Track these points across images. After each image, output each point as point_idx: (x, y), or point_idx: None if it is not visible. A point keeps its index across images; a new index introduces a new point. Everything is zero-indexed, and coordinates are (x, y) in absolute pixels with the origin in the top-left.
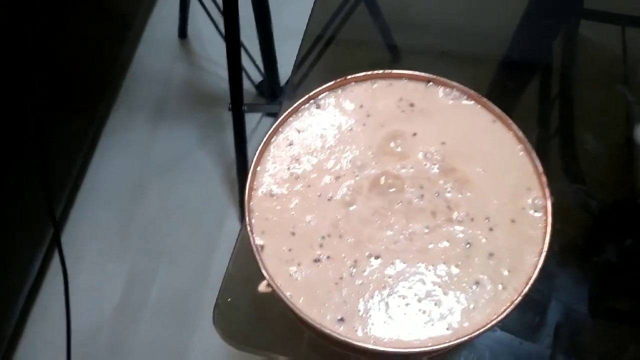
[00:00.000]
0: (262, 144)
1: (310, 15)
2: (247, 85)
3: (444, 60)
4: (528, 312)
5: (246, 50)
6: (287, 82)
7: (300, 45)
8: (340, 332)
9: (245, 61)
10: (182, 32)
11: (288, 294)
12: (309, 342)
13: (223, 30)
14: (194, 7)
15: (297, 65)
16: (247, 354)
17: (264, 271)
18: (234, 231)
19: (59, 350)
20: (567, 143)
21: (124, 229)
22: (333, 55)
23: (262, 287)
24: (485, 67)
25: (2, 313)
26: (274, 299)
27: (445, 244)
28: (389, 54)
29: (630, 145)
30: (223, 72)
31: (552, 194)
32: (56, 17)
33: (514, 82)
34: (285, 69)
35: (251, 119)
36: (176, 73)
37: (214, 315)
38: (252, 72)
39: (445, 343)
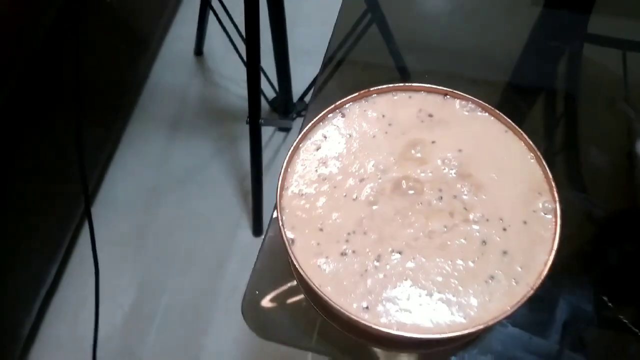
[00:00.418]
0: (292, 147)
1: (331, 35)
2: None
3: (453, 82)
4: (537, 310)
5: (261, 68)
6: (300, 98)
7: (323, 63)
8: (366, 319)
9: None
10: (198, 50)
11: (317, 283)
12: (333, 337)
13: (240, 48)
14: (210, 26)
15: (315, 82)
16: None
17: (295, 262)
18: (245, 241)
19: (72, 353)
20: (573, 156)
21: (139, 238)
22: (346, 75)
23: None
24: (493, 88)
25: (19, 316)
26: (300, 293)
27: (463, 241)
28: (399, 75)
29: (632, 158)
30: (237, 89)
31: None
32: (76, 35)
33: (521, 101)
34: (296, 86)
35: (264, 135)
36: (192, 89)
37: (242, 306)
38: (266, 88)
39: (462, 330)
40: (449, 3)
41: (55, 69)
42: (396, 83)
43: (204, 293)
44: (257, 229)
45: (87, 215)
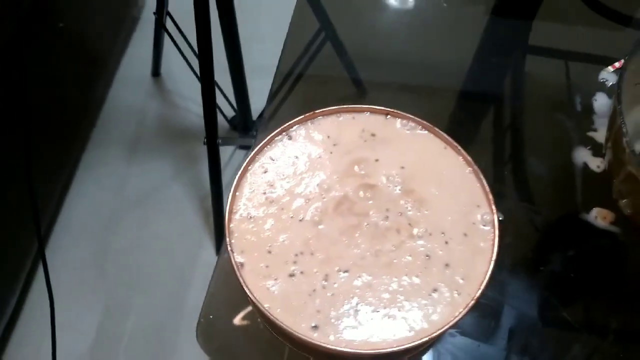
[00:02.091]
0: (240, 171)
1: (281, 53)
2: (219, 119)
3: (405, 93)
4: (484, 317)
5: (218, 87)
6: (260, 115)
7: (273, 81)
8: (315, 337)
9: (218, 97)
10: (155, 71)
11: (266, 305)
12: (288, 357)
13: (196, 68)
14: (166, 47)
15: (270, 99)
16: None
17: (244, 286)
18: (208, 261)
19: None
20: (516, 166)
21: (100, 262)
22: (303, 91)
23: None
24: (443, 99)
25: None
26: (254, 315)
27: (408, 257)
28: (355, 88)
29: (571, 166)
30: (195, 108)
31: (502, 211)
32: (32, 56)
33: (468, 113)
34: (255, 104)
35: (224, 152)
36: (149, 110)
37: (197, 331)
38: (225, 107)
39: (408, 343)
40: (400, 17)
41: (5, 96)
42: (345, 101)
43: (169, 314)
44: (219, 249)
45: (41, 254)
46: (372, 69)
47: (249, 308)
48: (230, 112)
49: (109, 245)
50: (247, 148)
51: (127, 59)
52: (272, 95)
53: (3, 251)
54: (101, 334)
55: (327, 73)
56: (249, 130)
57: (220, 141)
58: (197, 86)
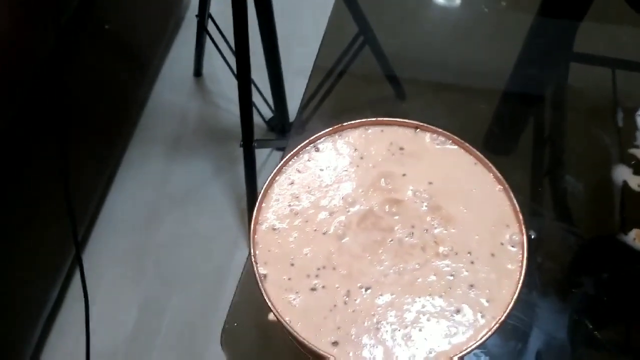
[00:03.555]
0: (267, 182)
1: (317, 55)
2: (258, 120)
3: (443, 98)
4: (511, 339)
5: (257, 88)
6: (295, 118)
7: (307, 85)
8: (334, 353)
9: (256, 98)
10: (197, 71)
11: (287, 319)
12: None
13: (235, 69)
14: (209, 47)
15: (304, 104)
16: None
17: (266, 298)
18: (243, 261)
19: None
20: (552, 182)
21: (139, 258)
22: (339, 94)
23: (270, 315)
24: (482, 107)
25: (21, 338)
26: (278, 324)
27: (433, 277)
28: (393, 92)
29: (610, 185)
30: (236, 109)
31: (535, 229)
32: (78, 55)
33: (506, 123)
34: (295, 106)
35: (262, 153)
36: (191, 110)
37: (221, 339)
38: (263, 108)
39: None
40: (439, 20)
41: (51, 96)
42: (383, 105)
43: (203, 313)
44: None
45: (81, 272)
46: (410, 72)
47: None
48: (268, 114)
49: (148, 242)
50: (284, 149)
51: (171, 59)
52: (309, 99)
53: (44, 247)
54: (137, 330)
55: (364, 76)
56: (286, 132)
57: (256, 144)
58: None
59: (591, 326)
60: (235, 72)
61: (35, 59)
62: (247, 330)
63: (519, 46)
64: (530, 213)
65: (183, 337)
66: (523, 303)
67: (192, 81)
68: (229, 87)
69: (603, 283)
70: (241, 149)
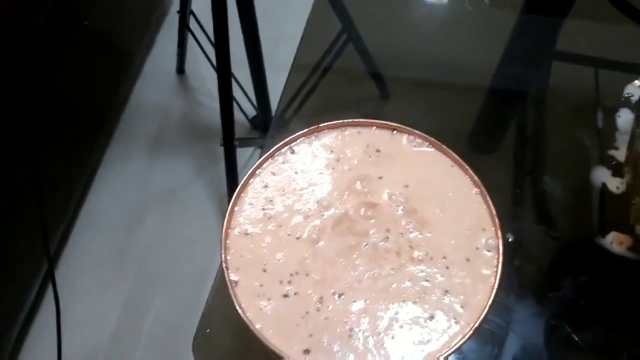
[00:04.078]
0: (240, 186)
1: (296, 53)
2: (241, 118)
3: (426, 96)
4: (487, 344)
5: (240, 85)
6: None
7: (286, 83)
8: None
9: (240, 96)
10: (180, 68)
11: (258, 326)
12: None
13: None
14: (192, 45)
15: (285, 103)
16: None
17: (236, 305)
18: None
19: None
20: (531, 184)
21: (120, 259)
22: (322, 92)
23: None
24: (464, 106)
25: None
26: (252, 334)
27: (407, 283)
28: (377, 89)
29: (589, 187)
30: (218, 107)
31: (512, 232)
32: (58, 53)
33: (488, 122)
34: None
35: (245, 151)
36: (173, 107)
37: (193, 345)
38: (247, 106)
39: None
40: (424, 18)
41: (27, 96)
42: (366, 103)
43: (187, 313)
44: None
45: (51, 276)
46: (394, 71)
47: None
48: (252, 112)
49: (130, 242)
50: None
51: (153, 56)
52: (291, 98)
53: (19, 251)
54: (118, 331)
55: (348, 74)
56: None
57: (237, 143)
58: None
59: (569, 329)
60: (217, 68)
61: (12, 57)
62: (219, 337)
63: (503, 45)
64: (510, 215)
65: (165, 338)
66: (499, 307)
67: (174, 78)
68: (212, 84)
69: (581, 286)
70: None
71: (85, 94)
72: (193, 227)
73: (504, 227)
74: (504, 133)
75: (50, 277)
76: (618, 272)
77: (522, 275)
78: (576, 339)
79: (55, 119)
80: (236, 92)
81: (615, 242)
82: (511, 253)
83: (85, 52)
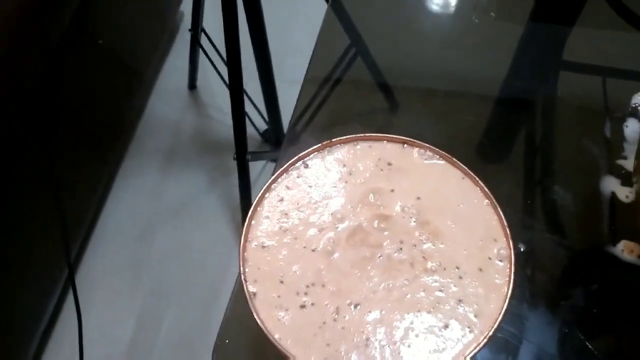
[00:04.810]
0: (256, 200)
1: (308, 68)
2: (252, 132)
3: (434, 108)
4: (501, 353)
5: (250, 100)
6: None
7: (298, 97)
8: None
9: (251, 110)
10: (192, 84)
11: (277, 336)
12: None
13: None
14: (203, 60)
15: (296, 117)
16: None
17: (255, 316)
18: (237, 273)
19: None
20: (541, 194)
21: (135, 271)
22: (332, 106)
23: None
24: (473, 118)
25: (17, 352)
26: (270, 343)
27: (421, 293)
28: (386, 101)
29: (598, 196)
30: (230, 121)
31: (523, 241)
32: (73, 70)
33: (496, 134)
34: (289, 117)
35: (256, 164)
36: (186, 122)
37: (212, 357)
38: (258, 120)
39: None
40: (431, 30)
41: (44, 112)
42: (375, 115)
43: (200, 325)
44: None
45: (72, 285)
46: (403, 83)
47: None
48: (263, 126)
49: (144, 255)
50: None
51: (165, 72)
52: (301, 112)
53: (40, 260)
54: (133, 343)
55: (357, 87)
56: (281, 143)
57: (249, 157)
58: None
59: (581, 337)
60: (228, 84)
61: (28, 74)
62: (239, 347)
63: (510, 56)
64: (520, 225)
65: (179, 350)
66: (512, 316)
67: (186, 94)
68: (223, 99)
69: (592, 294)
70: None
71: (99, 110)
72: (206, 238)
73: (515, 237)
74: (512, 143)
75: (71, 285)
76: (629, 280)
77: (534, 285)
78: (589, 346)
79: (71, 134)
80: (247, 106)
81: (625, 250)
82: (523, 262)
83: (99, 70)
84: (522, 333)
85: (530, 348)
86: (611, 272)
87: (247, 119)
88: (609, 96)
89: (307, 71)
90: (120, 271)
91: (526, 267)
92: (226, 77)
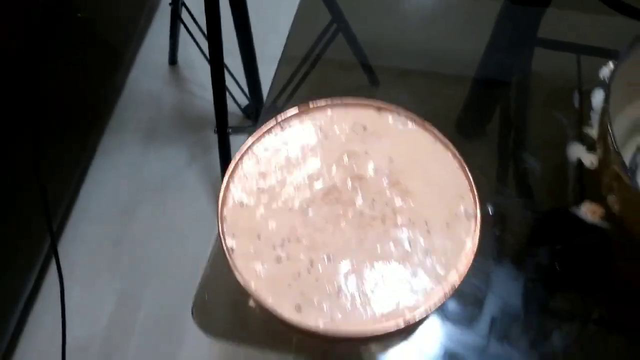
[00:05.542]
0: (235, 160)
1: (285, 43)
2: (234, 108)
3: (414, 82)
4: (467, 305)
5: (232, 75)
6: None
7: (276, 71)
8: (297, 317)
9: (232, 86)
10: (172, 59)
11: (253, 287)
12: (279, 337)
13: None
14: (184, 35)
15: (276, 89)
16: None
17: (233, 268)
18: None
19: None
20: (510, 160)
21: (115, 247)
22: (312, 81)
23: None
24: (451, 91)
25: None
26: (248, 296)
27: (391, 246)
28: (366, 78)
29: (566, 162)
30: (211, 97)
31: (493, 204)
32: (52, 44)
33: (473, 106)
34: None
35: (237, 140)
36: (166, 98)
37: (192, 309)
38: (239, 96)
39: (383, 329)
40: (412, 7)
41: (24, 87)
42: (357, 91)
43: (181, 301)
44: None
45: (55, 256)
46: (383, 60)
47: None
48: (244, 101)
49: (124, 231)
50: None
51: (145, 47)
52: (283, 87)
53: (19, 238)
54: (114, 320)
55: (337, 63)
56: None
57: (230, 130)
58: None
59: (544, 293)
60: (209, 58)
61: (5, 48)
62: (217, 304)
63: (488, 34)
64: (492, 191)
65: (161, 324)
66: (479, 272)
67: (167, 69)
68: (204, 75)
69: (556, 253)
70: (217, 136)
71: (78, 85)
72: (187, 214)
73: (485, 200)
74: (489, 118)
75: (55, 257)
76: (591, 240)
77: (501, 244)
78: (551, 301)
79: (49, 111)
80: (228, 82)
81: (588, 212)
82: (491, 223)
83: (78, 44)
84: (489, 287)
85: (496, 301)
86: (575, 232)
87: (228, 94)
88: (581, 72)
89: (285, 47)
90: (100, 248)
91: (495, 228)
92: (207, 52)
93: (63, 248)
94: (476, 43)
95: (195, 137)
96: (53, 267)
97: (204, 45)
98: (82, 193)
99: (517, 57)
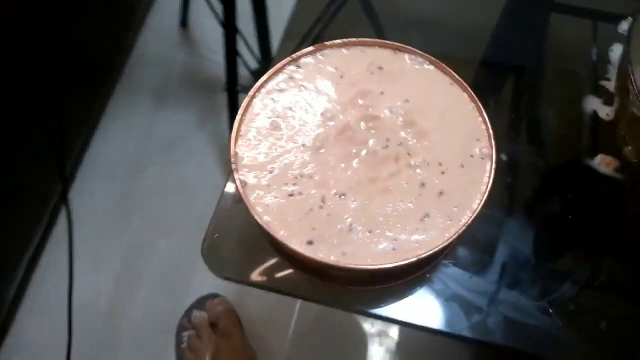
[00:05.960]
0: (249, 96)
1: (293, 12)
2: (244, 72)
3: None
4: (478, 251)
5: (243, 38)
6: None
7: (284, 36)
8: (308, 251)
9: (243, 49)
10: (184, 21)
11: (265, 219)
12: (288, 276)
13: (222, 18)
14: None
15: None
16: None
17: (245, 201)
18: None
19: (59, 316)
20: (526, 112)
21: (123, 205)
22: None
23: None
24: (468, 56)
25: (4, 279)
26: (258, 236)
27: (404, 185)
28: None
29: (581, 114)
30: (221, 60)
31: (507, 153)
32: (62, 5)
33: (494, 76)
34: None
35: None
36: (177, 60)
37: (202, 249)
38: (250, 61)
39: (394, 263)
40: None
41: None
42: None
43: (188, 256)
44: None
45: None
46: (396, 30)
47: (253, 229)
48: (255, 65)
49: (132, 189)
50: None
51: (156, 8)
52: (299, 43)
53: (29, 189)
54: (121, 273)
55: (350, 29)
56: None
57: (240, 88)
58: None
59: (555, 241)
60: (222, 20)
61: (18, 9)
62: (227, 241)
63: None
64: (504, 139)
65: (168, 278)
66: (491, 219)
67: (178, 31)
68: (215, 37)
69: (568, 202)
70: (226, 99)
71: (89, 45)
72: (195, 175)
73: (499, 148)
74: (504, 78)
75: (64, 205)
76: (603, 190)
77: (513, 192)
78: (562, 249)
79: (60, 70)
80: (240, 45)
81: (602, 163)
82: (504, 171)
83: (89, 5)
84: (500, 235)
85: (507, 248)
86: (588, 183)
87: (238, 56)
88: (597, 31)
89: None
90: (108, 206)
91: (507, 176)
92: (219, 14)
93: (71, 202)
94: (492, 9)
95: (205, 99)
96: (61, 222)
97: (217, 7)
98: (91, 151)
99: (535, 21)
